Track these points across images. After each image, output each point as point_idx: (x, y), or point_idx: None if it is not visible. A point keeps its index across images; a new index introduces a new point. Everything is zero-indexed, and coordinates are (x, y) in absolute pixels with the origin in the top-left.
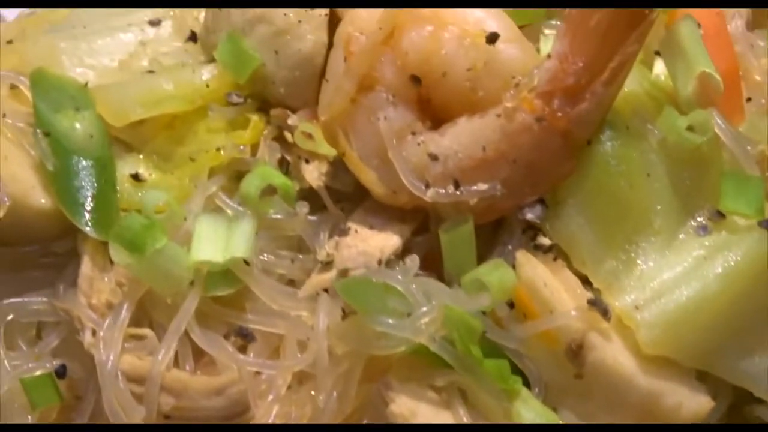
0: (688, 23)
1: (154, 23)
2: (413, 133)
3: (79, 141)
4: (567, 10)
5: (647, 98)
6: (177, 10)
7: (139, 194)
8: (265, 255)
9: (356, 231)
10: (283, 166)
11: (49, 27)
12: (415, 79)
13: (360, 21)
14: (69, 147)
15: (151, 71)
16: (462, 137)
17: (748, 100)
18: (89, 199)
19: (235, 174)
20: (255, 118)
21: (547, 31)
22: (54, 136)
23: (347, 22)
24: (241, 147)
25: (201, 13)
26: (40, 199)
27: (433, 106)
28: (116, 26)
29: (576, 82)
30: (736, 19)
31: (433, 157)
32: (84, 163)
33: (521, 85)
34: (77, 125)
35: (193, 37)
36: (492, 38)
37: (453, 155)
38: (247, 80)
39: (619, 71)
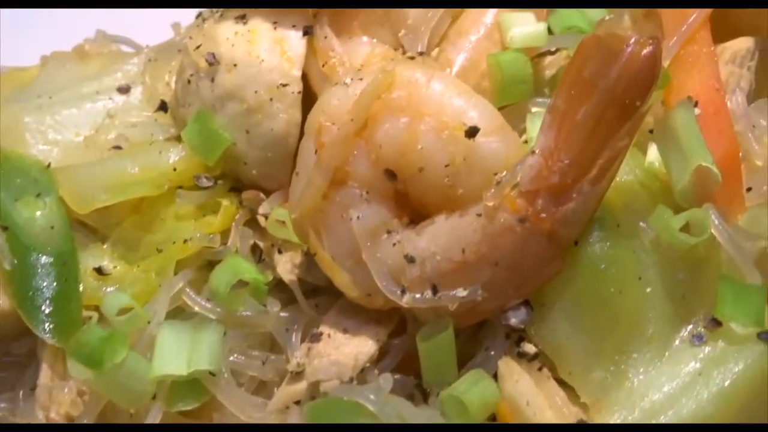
0: (684, 109)
1: (123, 90)
2: (389, 232)
3: (39, 234)
4: (552, 100)
5: (640, 189)
6: (147, 77)
7: (103, 290)
8: (235, 355)
9: (329, 336)
10: (256, 254)
11: (15, 94)
12: (391, 174)
13: (331, 109)
14: (28, 242)
15: (117, 147)
16: (440, 238)
17: (749, 189)
18: (48, 301)
19: (204, 263)
20: (225, 202)
21: (534, 109)
22: (12, 230)
23: (318, 109)
24: (211, 236)
25: (173, 77)
26: None
27: (410, 201)
28: (84, 94)
29: (562, 180)
30: (737, 94)
31: (410, 259)
32: (44, 260)
33: (503, 182)
34: (38, 214)
35: (163, 107)
36: (472, 132)
37: (431, 257)
38: (218, 159)
39: (608, 168)
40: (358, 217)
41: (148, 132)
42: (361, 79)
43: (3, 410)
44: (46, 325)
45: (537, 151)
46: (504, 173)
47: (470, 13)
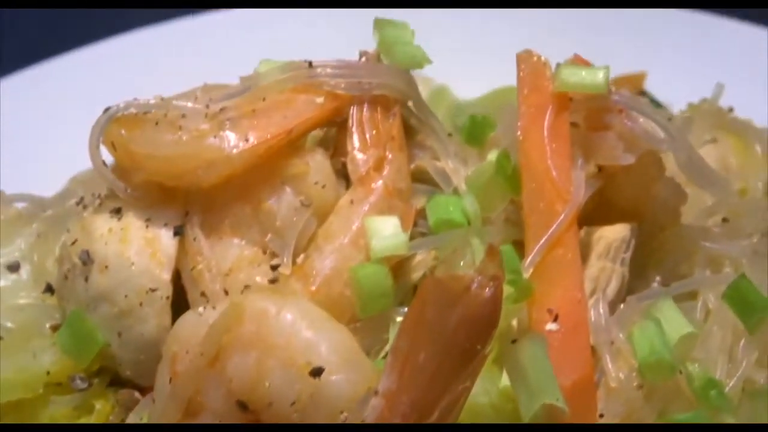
0: (534, 343)
1: (13, 268)
2: None
3: None
4: (395, 341)
5: (491, 412)
6: (35, 255)
7: None
8: None
9: None
10: None
11: None
12: (242, 405)
13: (184, 338)
14: None
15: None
16: None
17: (601, 416)
18: None
19: None
20: (98, 406)
21: (398, 318)
22: None
23: (172, 337)
24: None
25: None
26: None
27: None
28: None
29: (404, 421)
30: (600, 304)
31: None
32: None
33: (348, 422)
34: None
35: (49, 289)
36: (316, 372)
37: None
38: (94, 358)
39: (450, 410)
40: None
41: (34, 316)
42: (214, 308)
43: None
44: None
45: (379, 392)
46: (344, 415)
47: (337, 217)
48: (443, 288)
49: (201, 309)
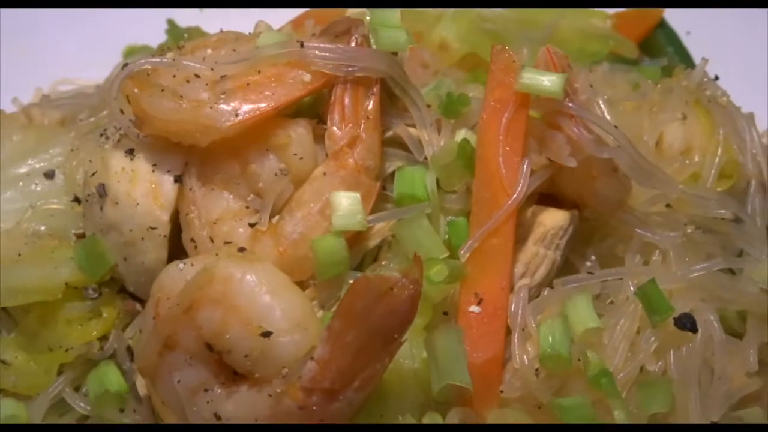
0: (450, 332)
1: (49, 176)
2: (206, 390)
3: None
4: (330, 320)
5: (412, 376)
6: (68, 166)
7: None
8: None
9: None
10: (130, 354)
11: None
12: (209, 347)
13: (166, 287)
14: None
15: (35, 236)
16: (241, 405)
17: (501, 392)
18: None
19: (86, 363)
20: (105, 314)
21: (350, 280)
22: None
23: (157, 284)
24: (90, 344)
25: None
26: None
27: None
28: (18, 176)
29: (331, 386)
30: (522, 290)
31: (217, 417)
32: None
33: (288, 376)
34: None
35: (77, 200)
36: (266, 335)
37: (233, 418)
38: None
39: (368, 381)
40: (179, 381)
41: (63, 223)
42: (192, 265)
43: None
44: None
45: (315, 358)
46: (286, 370)
47: (310, 186)
48: (372, 286)
49: (181, 265)
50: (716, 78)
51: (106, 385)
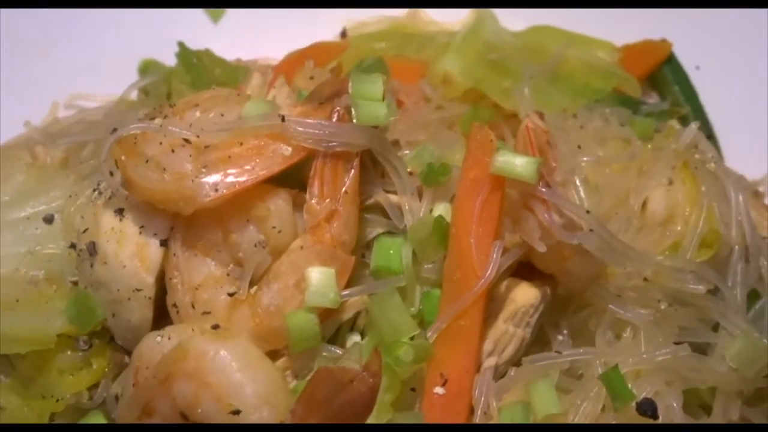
0: (412, 417)
1: (48, 220)
2: None
3: None
4: (294, 405)
5: None
6: (65, 213)
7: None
8: None
9: None
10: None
11: None
12: (184, 416)
13: (145, 357)
14: None
15: (33, 283)
16: None
17: None
18: None
19: (77, 411)
20: (95, 365)
21: (324, 353)
22: None
23: (137, 352)
24: (80, 393)
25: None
26: None
27: None
28: (18, 220)
29: None
30: (487, 371)
31: None
32: None
33: None
34: None
35: (73, 246)
36: (236, 413)
37: None
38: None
39: None
40: None
41: (60, 268)
42: (169, 338)
43: None
44: None
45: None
46: None
47: (287, 258)
48: (333, 377)
49: (158, 338)
50: (709, 137)
51: None
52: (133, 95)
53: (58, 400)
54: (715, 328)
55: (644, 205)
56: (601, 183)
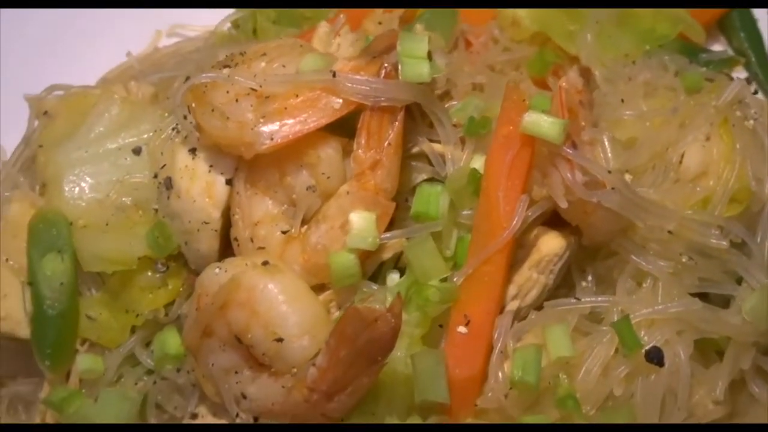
0: (430, 357)
1: (136, 152)
2: (236, 372)
3: (52, 290)
4: (329, 337)
5: (405, 380)
6: (152, 144)
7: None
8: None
9: (202, 417)
10: None
11: (70, 131)
12: (238, 339)
13: (206, 286)
14: (43, 295)
15: (121, 208)
16: (262, 389)
17: (476, 405)
18: (49, 345)
19: (155, 324)
20: (170, 285)
21: (365, 289)
22: (35, 286)
23: (199, 282)
24: (157, 310)
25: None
26: (22, 333)
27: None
28: (111, 151)
29: (328, 389)
30: (509, 314)
31: (243, 396)
32: (50, 312)
33: (296, 375)
34: (55, 271)
35: (156, 177)
36: (279, 340)
37: (255, 399)
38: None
39: (358, 390)
40: (213, 364)
41: (145, 196)
42: (225, 271)
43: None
44: (47, 362)
45: (316, 365)
46: (294, 369)
47: (335, 202)
48: (360, 316)
49: (217, 270)
50: (755, 92)
51: (166, 348)
52: (227, 27)
53: (137, 315)
54: (740, 281)
55: (681, 159)
56: (641, 136)
